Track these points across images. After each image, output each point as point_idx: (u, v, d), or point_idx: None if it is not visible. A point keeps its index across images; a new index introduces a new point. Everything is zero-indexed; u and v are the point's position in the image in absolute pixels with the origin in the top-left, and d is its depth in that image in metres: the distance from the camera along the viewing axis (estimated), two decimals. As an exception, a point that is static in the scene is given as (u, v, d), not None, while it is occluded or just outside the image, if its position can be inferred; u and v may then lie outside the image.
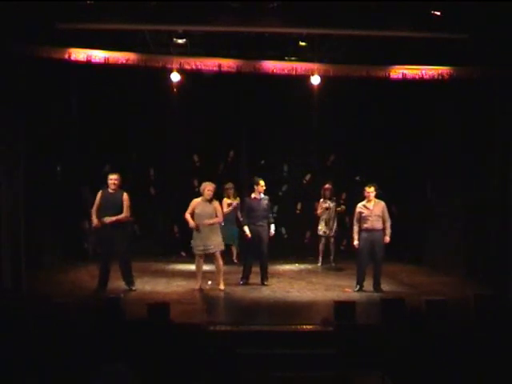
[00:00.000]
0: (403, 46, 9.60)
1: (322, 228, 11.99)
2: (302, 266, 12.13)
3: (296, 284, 10.28)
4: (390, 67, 9.51)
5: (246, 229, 10.08)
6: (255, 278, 10.21)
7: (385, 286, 9.76)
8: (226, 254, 11.47)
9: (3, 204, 8.67)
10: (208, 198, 9.50)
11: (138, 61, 9.19)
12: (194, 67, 9.37)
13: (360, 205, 9.76)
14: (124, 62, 9.11)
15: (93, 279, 9.93)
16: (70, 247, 12.10)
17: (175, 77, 9.98)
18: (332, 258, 12.00)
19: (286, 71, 9.45)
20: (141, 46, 9.77)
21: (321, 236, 12.10)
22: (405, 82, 9.75)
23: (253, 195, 10.19)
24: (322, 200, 11.98)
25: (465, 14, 8.69)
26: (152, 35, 9.74)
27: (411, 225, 12.68)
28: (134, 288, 9.32)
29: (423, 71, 9.51)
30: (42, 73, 9.93)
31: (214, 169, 12.87)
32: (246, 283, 10.07)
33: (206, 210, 9.48)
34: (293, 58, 9.97)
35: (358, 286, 9.64)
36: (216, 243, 9.56)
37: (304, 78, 9.91)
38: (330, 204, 11.89)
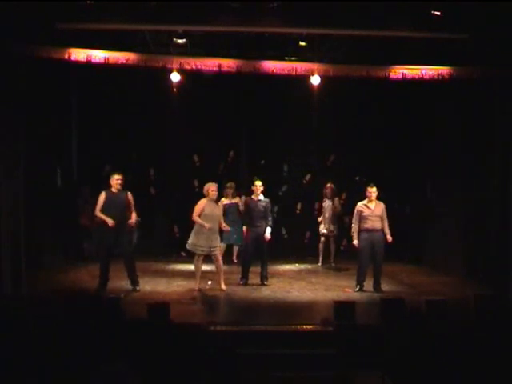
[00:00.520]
0: (403, 45, 9.60)
1: (321, 227, 12.03)
2: (302, 266, 12.13)
3: (296, 284, 10.28)
4: (390, 67, 9.51)
5: (245, 228, 10.18)
6: (255, 278, 10.21)
7: (385, 286, 9.76)
8: (227, 254, 11.48)
9: (3, 204, 8.66)
10: (214, 198, 9.51)
11: (137, 61, 9.18)
12: (194, 67, 9.37)
13: (361, 204, 9.75)
14: (124, 61, 9.11)
15: (93, 279, 9.92)
16: (70, 247, 12.10)
17: (175, 77, 9.97)
18: (332, 258, 12.01)
19: (286, 71, 9.45)
20: (141, 45, 9.77)
21: (321, 235, 12.12)
22: (405, 82, 9.75)
23: (252, 196, 10.23)
24: (323, 199, 12.03)
25: (465, 14, 8.69)
26: (152, 35, 9.73)
27: (411, 225, 12.69)
28: (138, 288, 9.32)
29: (423, 71, 9.51)
30: (41, 73, 9.92)
31: (213, 169, 12.87)
32: (246, 283, 10.07)
33: (215, 210, 9.52)
34: (293, 58, 9.97)
35: (359, 286, 9.64)
36: (218, 244, 9.65)
37: (304, 78, 9.90)
38: (327, 203, 11.91)
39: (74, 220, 12.17)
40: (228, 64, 9.29)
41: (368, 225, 9.61)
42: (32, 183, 9.66)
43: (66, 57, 8.91)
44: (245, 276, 10.13)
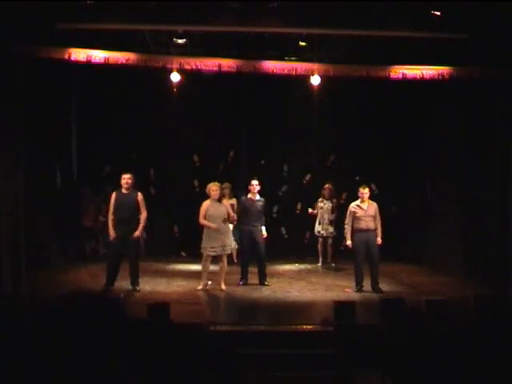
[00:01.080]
0: (403, 45, 9.60)
1: (317, 228, 12.03)
2: (302, 266, 12.14)
3: (296, 284, 10.28)
4: (390, 67, 9.51)
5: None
6: (255, 278, 10.21)
7: (385, 286, 9.76)
8: (227, 254, 11.47)
9: (3, 204, 8.67)
10: (216, 198, 9.51)
11: (137, 61, 9.18)
12: (194, 67, 9.37)
13: (354, 205, 9.76)
14: (124, 62, 9.11)
15: (93, 279, 9.95)
16: (70, 247, 12.10)
17: (175, 77, 9.98)
18: (329, 258, 12.01)
19: (286, 71, 9.45)
20: (141, 45, 9.77)
21: (317, 236, 12.13)
22: (405, 82, 9.75)
23: (249, 195, 10.21)
24: (320, 199, 12.02)
25: (465, 14, 8.69)
26: (152, 35, 9.73)
27: (411, 225, 12.69)
28: (138, 288, 9.33)
29: (423, 71, 9.51)
30: (41, 73, 9.92)
31: (213, 169, 12.87)
32: (245, 283, 10.06)
33: (219, 210, 9.50)
34: (293, 58, 9.97)
35: (358, 286, 9.64)
36: (230, 243, 9.72)
37: (304, 78, 9.91)
38: (324, 204, 11.91)
39: (74, 220, 12.17)
40: (228, 64, 9.29)
41: (362, 225, 9.61)
42: (32, 183, 9.66)
43: (66, 57, 8.91)
44: (244, 276, 10.13)
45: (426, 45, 9.45)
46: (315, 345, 7.11)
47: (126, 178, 9.26)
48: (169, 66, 9.50)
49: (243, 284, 10.04)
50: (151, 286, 9.83)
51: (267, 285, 10.01)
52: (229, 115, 12.84)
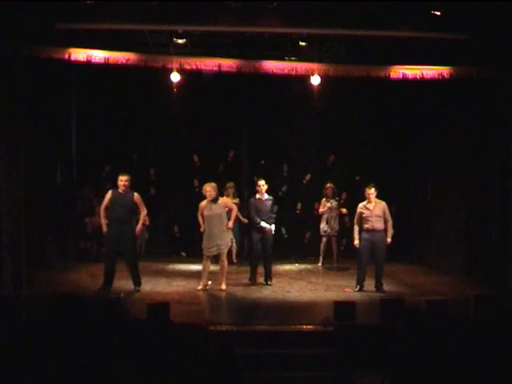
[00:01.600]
0: (403, 45, 9.60)
1: (323, 227, 12.01)
2: (302, 266, 12.13)
3: (296, 284, 10.28)
4: (390, 67, 9.51)
5: (264, 223, 9.99)
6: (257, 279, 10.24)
7: (385, 286, 9.74)
8: (227, 254, 11.46)
9: (3, 204, 8.67)
10: (211, 198, 9.51)
11: (138, 61, 9.18)
12: (194, 67, 9.36)
13: (361, 205, 9.77)
14: (124, 62, 9.10)
15: (93, 279, 9.94)
16: (70, 247, 12.10)
17: (175, 77, 9.97)
18: (335, 257, 12.00)
19: (286, 71, 9.45)
20: (141, 45, 9.77)
21: (322, 235, 12.11)
22: (405, 81, 9.75)
23: (257, 195, 10.20)
24: (324, 199, 12.00)
25: (465, 14, 8.69)
26: (152, 35, 9.73)
27: (411, 225, 12.69)
28: (138, 288, 9.33)
29: (423, 71, 9.50)
30: (42, 73, 9.92)
31: (214, 169, 12.87)
32: (253, 283, 10.05)
33: (215, 210, 9.50)
34: (293, 58, 9.96)
35: (359, 286, 9.64)
36: (226, 242, 9.65)
37: (304, 78, 9.91)
38: (332, 203, 11.91)
39: (74, 220, 12.17)
40: (228, 64, 9.29)
41: (368, 225, 9.61)
42: (32, 183, 9.66)
43: (66, 57, 8.91)
44: (253, 277, 10.13)
45: (426, 45, 9.45)
46: (315, 345, 7.11)
47: (123, 180, 9.25)
48: (169, 65, 9.49)
49: (251, 284, 10.03)
50: (151, 286, 9.83)
51: (269, 285, 10.01)
52: (229, 115, 12.83)
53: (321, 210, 12.01)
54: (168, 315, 6.76)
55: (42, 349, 5.46)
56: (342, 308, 7.17)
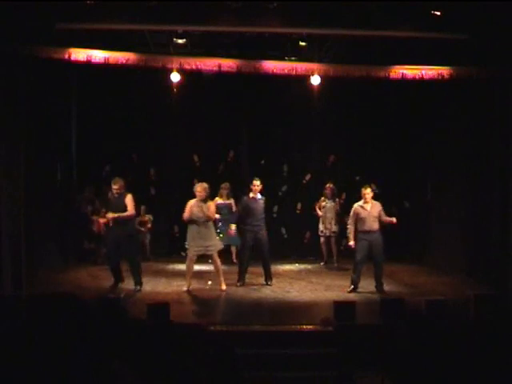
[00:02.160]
0: (403, 45, 9.60)
1: (320, 227, 12.03)
2: (302, 266, 12.13)
3: (296, 284, 10.28)
4: (390, 67, 9.51)
5: (233, 227, 10.17)
6: (256, 279, 10.24)
7: (385, 286, 9.75)
8: (226, 254, 11.47)
9: (3, 204, 8.67)
10: (200, 199, 9.51)
11: (138, 61, 9.19)
12: (194, 67, 9.37)
13: (357, 205, 9.71)
14: (124, 62, 9.11)
15: (93, 279, 9.95)
16: (70, 247, 12.09)
17: (175, 77, 9.98)
18: (335, 258, 12.00)
19: (286, 71, 9.45)
20: (141, 45, 9.77)
21: (320, 235, 12.12)
22: (405, 81, 9.75)
23: (251, 194, 10.18)
24: (321, 199, 12.02)
25: (465, 14, 8.69)
26: (152, 35, 9.73)
27: (411, 225, 12.69)
28: (138, 288, 9.36)
29: (423, 71, 9.51)
30: (42, 73, 9.92)
31: (214, 169, 12.88)
32: (243, 285, 10.01)
33: (203, 210, 9.50)
34: (293, 58, 9.96)
35: (352, 287, 9.59)
36: (214, 244, 9.61)
37: (304, 78, 9.91)
38: (327, 203, 11.91)
39: (78, 221, 12.17)
40: (228, 64, 9.29)
41: (366, 226, 9.56)
42: (32, 183, 9.66)
43: (66, 57, 8.92)
44: (242, 278, 10.06)
45: (426, 45, 9.44)
46: (315, 345, 7.12)
47: (114, 189, 9.36)
48: (169, 65, 9.50)
49: (240, 285, 9.99)
50: (151, 286, 9.84)
51: (269, 285, 10.00)
52: (229, 115, 12.83)
53: (317, 210, 12.03)
54: (168, 315, 6.77)
55: (41, 349, 5.46)
56: (342, 308, 7.18)
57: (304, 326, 7.65)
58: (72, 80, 12.17)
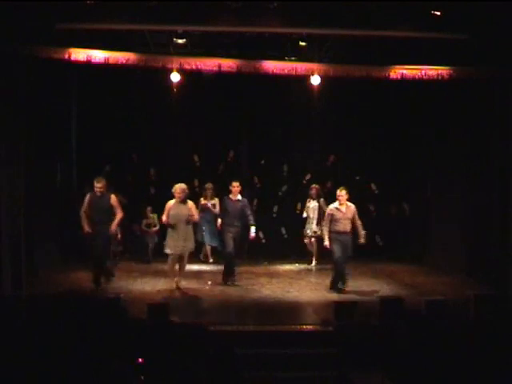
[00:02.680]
0: (403, 45, 9.60)
1: (305, 228, 12.03)
2: (302, 266, 12.12)
3: (296, 284, 10.28)
4: (390, 67, 9.51)
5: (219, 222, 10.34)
6: (254, 279, 10.25)
7: (385, 286, 9.77)
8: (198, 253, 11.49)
9: (3, 204, 8.67)
10: (179, 200, 9.53)
11: (138, 61, 9.19)
12: (194, 67, 9.37)
13: (332, 207, 9.69)
14: (124, 62, 9.12)
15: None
16: (70, 247, 12.08)
17: (175, 77, 9.98)
18: (313, 258, 11.95)
19: (286, 71, 9.45)
20: (141, 45, 9.77)
21: (304, 236, 12.11)
22: (405, 81, 9.75)
23: (230, 196, 10.21)
24: (307, 200, 12.02)
25: (465, 14, 8.69)
26: (152, 35, 9.73)
27: (411, 225, 12.69)
28: (99, 288, 9.34)
29: (423, 71, 9.51)
30: (42, 73, 9.92)
31: (213, 169, 12.88)
32: (233, 282, 9.99)
33: (181, 211, 9.51)
34: (293, 58, 9.95)
35: (336, 286, 9.57)
36: (189, 246, 9.67)
37: (304, 78, 9.91)
38: (310, 203, 11.91)
39: (76, 221, 12.15)
40: (228, 64, 9.29)
41: (340, 227, 9.54)
42: (32, 183, 9.67)
43: (66, 57, 8.92)
44: (231, 276, 10.03)
45: (425, 45, 9.44)
46: (315, 345, 7.11)
47: (98, 187, 9.37)
48: (169, 65, 9.50)
49: (231, 284, 9.96)
50: (151, 286, 9.84)
51: (230, 285, 9.92)
52: (229, 115, 12.83)
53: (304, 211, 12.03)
54: (168, 315, 6.77)
55: (42, 349, 5.46)
56: (342, 308, 7.18)
57: (304, 326, 7.65)
58: (72, 80, 12.18)
